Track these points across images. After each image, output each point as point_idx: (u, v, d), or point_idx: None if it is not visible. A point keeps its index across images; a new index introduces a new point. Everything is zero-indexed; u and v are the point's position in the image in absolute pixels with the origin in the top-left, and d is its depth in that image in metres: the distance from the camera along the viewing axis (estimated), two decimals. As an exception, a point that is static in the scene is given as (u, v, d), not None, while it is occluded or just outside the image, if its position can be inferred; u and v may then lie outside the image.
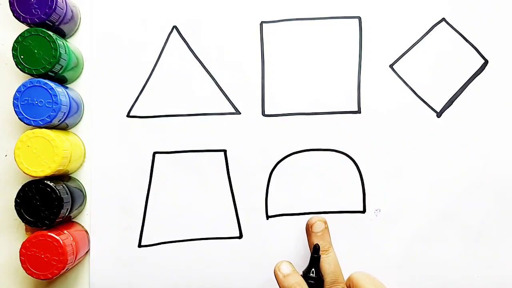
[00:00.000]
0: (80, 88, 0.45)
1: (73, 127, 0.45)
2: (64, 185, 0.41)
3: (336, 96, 0.45)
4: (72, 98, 0.43)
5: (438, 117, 0.44)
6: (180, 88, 0.45)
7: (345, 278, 0.40)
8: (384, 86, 0.45)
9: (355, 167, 0.44)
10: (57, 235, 0.40)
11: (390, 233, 0.44)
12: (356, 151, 0.44)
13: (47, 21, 0.41)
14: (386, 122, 0.44)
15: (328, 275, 0.38)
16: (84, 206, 0.45)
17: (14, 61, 0.40)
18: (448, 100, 0.45)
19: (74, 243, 0.41)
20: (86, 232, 0.44)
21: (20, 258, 0.40)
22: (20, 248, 0.40)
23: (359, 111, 0.45)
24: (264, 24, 0.45)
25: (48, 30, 0.41)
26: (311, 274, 0.38)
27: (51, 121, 0.40)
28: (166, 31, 0.45)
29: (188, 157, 0.45)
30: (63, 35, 0.44)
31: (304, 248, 0.44)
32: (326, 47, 0.45)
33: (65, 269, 0.40)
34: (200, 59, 0.45)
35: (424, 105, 0.44)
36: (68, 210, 0.41)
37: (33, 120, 0.40)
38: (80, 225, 0.45)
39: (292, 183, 0.45)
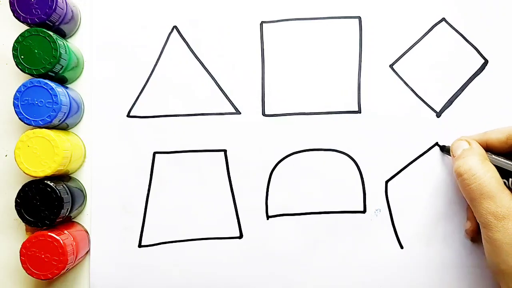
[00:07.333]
0: (80, 88, 0.45)
1: (73, 127, 0.45)
2: (64, 185, 0.41)
3: (336, 96, 0.45)
4: (72, 98, 0.43)
5: (438, 117, 0.44)
6: (180, 88, 0.45)
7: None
8: (384, 86, 0.45)
9: (355, 167, 0.44)
10: (58, 235, 0.40)
11: (390, 233, 0.44)
12: (356, 151, 0.44)
13: (47, 21, 0.41)
14: (386, 122, 0.44)
15: None
16: (84, 206, 0.45)
17: (14, 61, 0.40)
18: (448, 100, 0.45)
19: (74, 243, 0.41)
20: (86, 232, 0.44)
21: (20, 258, 0.40)
22: (20, 248, 0.40)
23: (359, 111, 0.45)
24: (264, 24, 0.45)
25: (48, 30, 0.41)
26: None
27: (51, 121, 0.40)
28: (166, 31, 0.45)
29: (188, 157, 0.45)
30: (63, 35, 0.44)
31: (304, 247, 0.44)
32: (326, 47, 0.45)
33: (65, 269, 0.40)
34: (200, 59, 0.45)
35: (424, 105, 0.44)
36: (68, 210, 0.41)
37: (33, 120, 0.40)
38: (80, 225, 0.45)
39: (292, 183, 0.45)
